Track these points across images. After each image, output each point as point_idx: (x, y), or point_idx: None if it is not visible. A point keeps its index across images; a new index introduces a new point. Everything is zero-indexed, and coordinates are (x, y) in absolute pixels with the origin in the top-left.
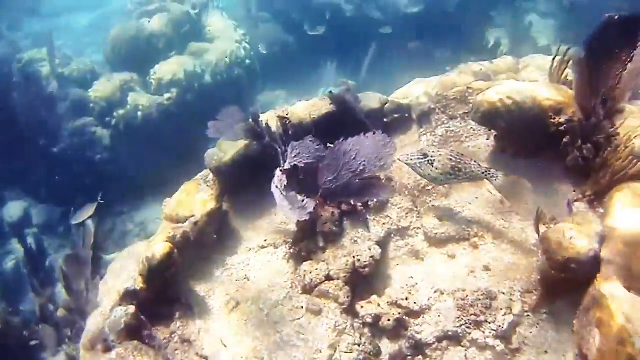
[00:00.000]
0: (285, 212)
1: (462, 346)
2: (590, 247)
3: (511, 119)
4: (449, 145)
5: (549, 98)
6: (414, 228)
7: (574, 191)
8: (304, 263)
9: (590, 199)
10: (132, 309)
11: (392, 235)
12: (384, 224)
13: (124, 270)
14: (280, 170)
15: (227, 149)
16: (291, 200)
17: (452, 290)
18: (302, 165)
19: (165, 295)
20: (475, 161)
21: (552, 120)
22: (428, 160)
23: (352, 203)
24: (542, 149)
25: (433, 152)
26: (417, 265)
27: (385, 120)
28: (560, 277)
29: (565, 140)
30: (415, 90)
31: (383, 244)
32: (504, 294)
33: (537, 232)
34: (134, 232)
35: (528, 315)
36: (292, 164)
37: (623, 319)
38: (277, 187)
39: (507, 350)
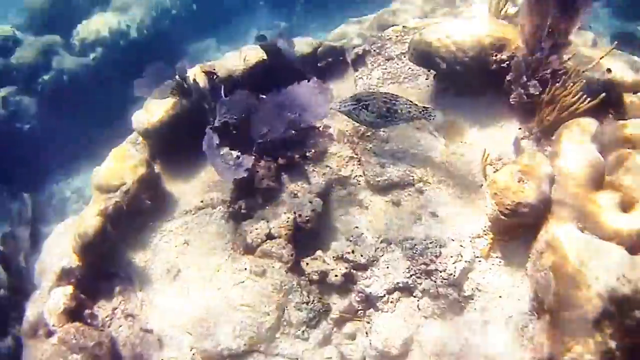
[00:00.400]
0: (220, 171)
1: (414, 297)
2: (540, 189)
3: (451, 58)
4: (387, 87)
5: (489, 34)
6: (356, 176)
7: (520, 129)
8: (244, 222)
9: (537, 137)
10: (69, 289)
11: (333, 185)
12: (323, 174)
13: (59, 248)
14: (211, 129)
15: (154, 109)
16: (225, 159)
17: (399, 239)
18: (234, 120)
19: (103, 270)
20: (410, 101)
21: (493, 58)
22: (362, 105)
23: (289, 155)
24: (486, 87)
25: (366, 96)
26: (361, 215)
27: (319, 65)
28: (510, 221)
29: (508, 77)
30: (349, 31)
31: (324, 195)
32: (453, 240)
33: (484, 174)
34: (72, 199)
35: (479, 261)
36: (223, 121)
37: (577, 262)
38: (208, 146)
39: (460, 297)
